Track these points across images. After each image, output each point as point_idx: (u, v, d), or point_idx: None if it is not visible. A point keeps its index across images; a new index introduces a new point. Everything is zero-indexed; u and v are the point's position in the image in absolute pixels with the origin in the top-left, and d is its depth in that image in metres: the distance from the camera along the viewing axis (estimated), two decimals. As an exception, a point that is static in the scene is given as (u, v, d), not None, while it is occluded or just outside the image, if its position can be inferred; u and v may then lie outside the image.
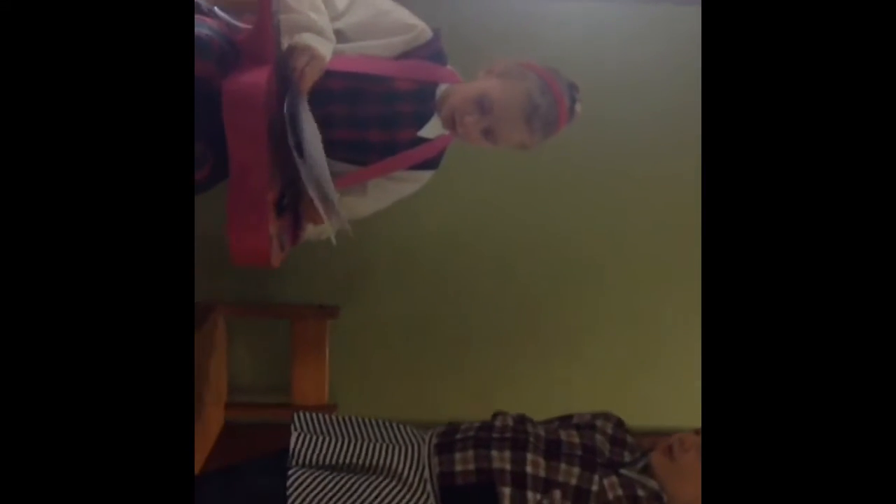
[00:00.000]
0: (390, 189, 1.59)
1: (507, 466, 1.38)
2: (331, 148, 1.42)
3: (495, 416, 1.62)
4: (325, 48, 1.33)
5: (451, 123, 1.47)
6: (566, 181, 2.22)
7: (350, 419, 1.54)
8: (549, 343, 2.35)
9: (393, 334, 2.32)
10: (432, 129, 1.52)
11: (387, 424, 1.55)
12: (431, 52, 1.51)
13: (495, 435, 1.43)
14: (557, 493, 1.38)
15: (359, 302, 2.27)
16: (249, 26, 1.42)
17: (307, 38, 1.31)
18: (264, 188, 1.25)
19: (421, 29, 1.49)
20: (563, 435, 1.48)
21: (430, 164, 1.58)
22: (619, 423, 1.62)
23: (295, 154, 1.29)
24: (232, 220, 1.25)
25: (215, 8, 1.42)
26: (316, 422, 1.51)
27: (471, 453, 1.43)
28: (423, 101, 1.50)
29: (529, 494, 1.37)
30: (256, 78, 1.25)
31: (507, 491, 1.35)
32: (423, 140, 1.53)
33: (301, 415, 1.52)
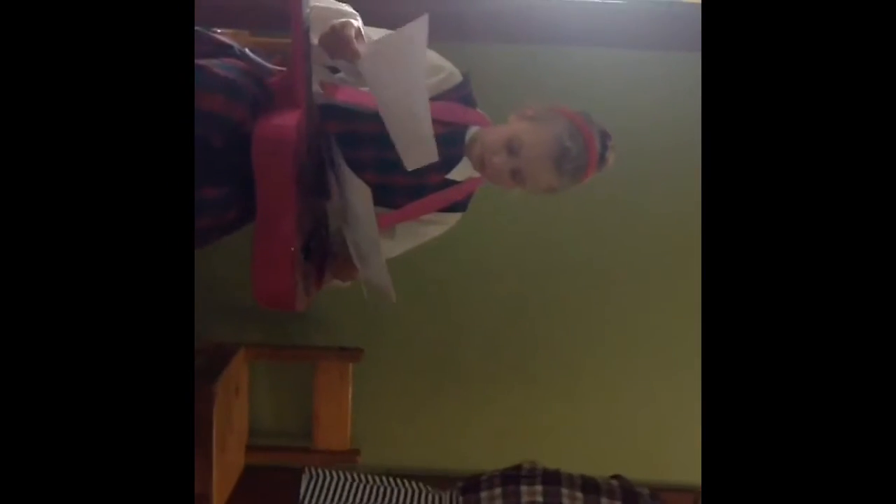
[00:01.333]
0: (419, 232, 1.57)
1: (539, 499, 1.35)
2: None
3: (520, 465, 1.58)
4: (356, 20, 1.33)
5: (480, 164, 1.46)
6: (590, 219, 2.20)
7: (364, 479, 1.50)
8: (579, 386, 2.30)
9: (417, 377, 2.29)
10: (461, 172, 1.51)
11: (404, 485, 1.51)
12: (461, 95, 1.51)
13: (524, 473, 1.39)
14: None
15: (382, 344, 2.25)
16: (281, 69, 1.43)
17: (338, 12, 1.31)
18: (292, 233, 1.24)
19: (451, 71, 1.49)
20: (598, 478, 1.44)
21: (458, 206, 1.57)
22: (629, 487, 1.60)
23: (335, 196, 1.28)
24: (258, 264, 1.24)
25: (247, 50, 1.43)
26: (327, 482, 1.48)
27: (498, 490, 1.38)
28: (452, 145, 1.49)
29: None
30: (287, 121, 1.24)
31: None
32: (452, 182, 1.52)
33: (312, 471, 1.48)
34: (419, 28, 1.22)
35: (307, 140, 1.29)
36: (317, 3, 1.35)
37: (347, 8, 1.38)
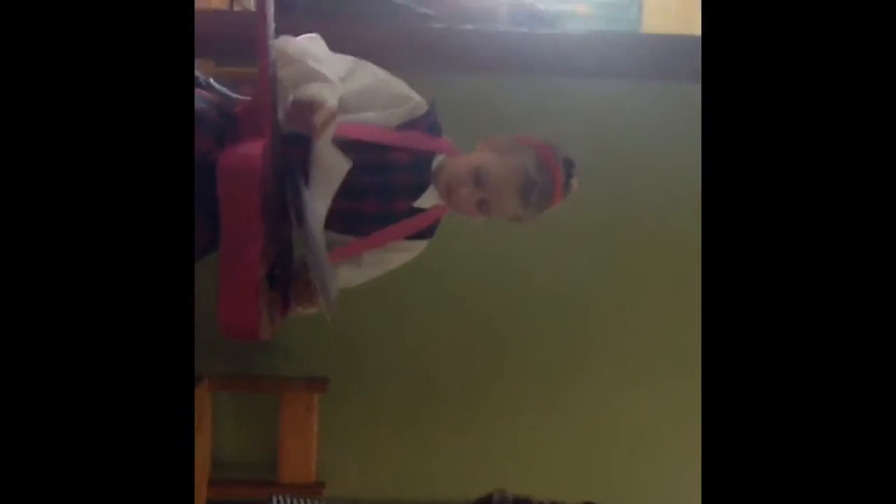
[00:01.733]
0: (384, 259, 1.57)
1: None
2: (326, 219, 1.41)
3: (490, 495, 1.56)
4: (333, 95, 1.33)
5: (447, 194, 1.48)
6: (560, 244, 2.19)
7: None
8: (553, 411, 2.29)
9: (384, 407, 2.25)
10: (427, 199, 1.52)
11: None
12: (428, 123, 1.52)
13: (494, 502, 1.38)
14: None
15: (348, 374, 2.22)
16: (247, 98, 1.42)
17: (314, 89, 1.31)
18: (256, 262, 1.23)
19: (418, 101, 1.51)
20: None
21: (425, 233, 1.57)
22: None
23: (295, 224, 1.28)
24: (223, 294, 1.22)
25: (211, 80, 1.42)
26: None
27: None
28: (419, 172, 1.50)
29: None
30: (253, 150, 1.23)
31: None
32: (418, 210, 1.52)
33: (279, 498, 1.46)
34: None
35: (272, 168, 1.29)
36: (292, 64, 1.35)
37: (324, 69, 1.37)
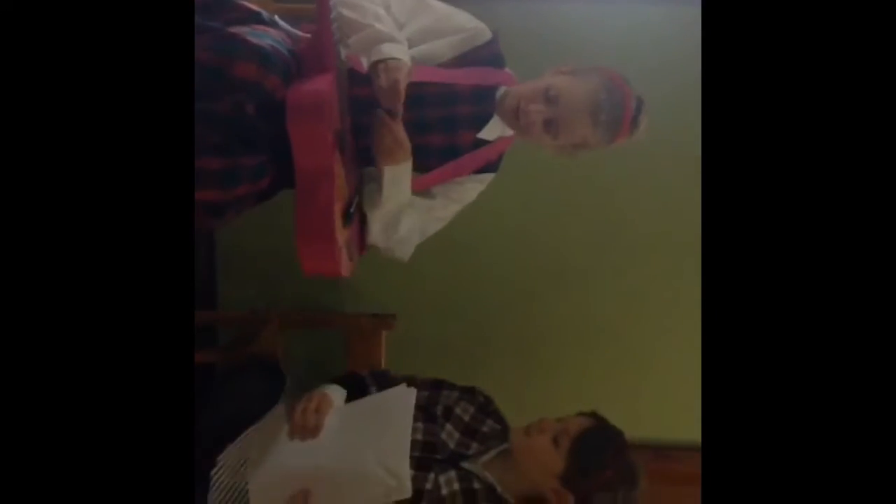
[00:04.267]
0: (454, 194, 1.56)
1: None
2: None
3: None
4: (404, 54, 1.32)
5: (514, 114, 1.45)
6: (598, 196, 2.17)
7: None
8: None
9: (450, 344, 2.29)
10: (492, 130, 1.50)
11: None
12: (490, 53, 1.49)
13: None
14: None
15: (414, 312, 2.25)
16: (307, 34, 1.42)
17: (387, 49, 1.30)
18: (332, 198, 1.24)
19: (481, 28, 1.48)
20: None
21: (490, 167, 1.56)
22: (483, 406, 1.65)
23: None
24: (301, 231, 1.24)
25: (276, 17, 1.41)
26: None
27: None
28: (483, 102, 1.48)
29: None
30: (320, 86, 1.23)
31: None
32: (483, 143, 1.51)
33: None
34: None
35: (340, 104, 1.29)
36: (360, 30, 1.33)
37: (390, 28, 1.35)
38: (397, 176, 1.39)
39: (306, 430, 1.47)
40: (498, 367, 2.31)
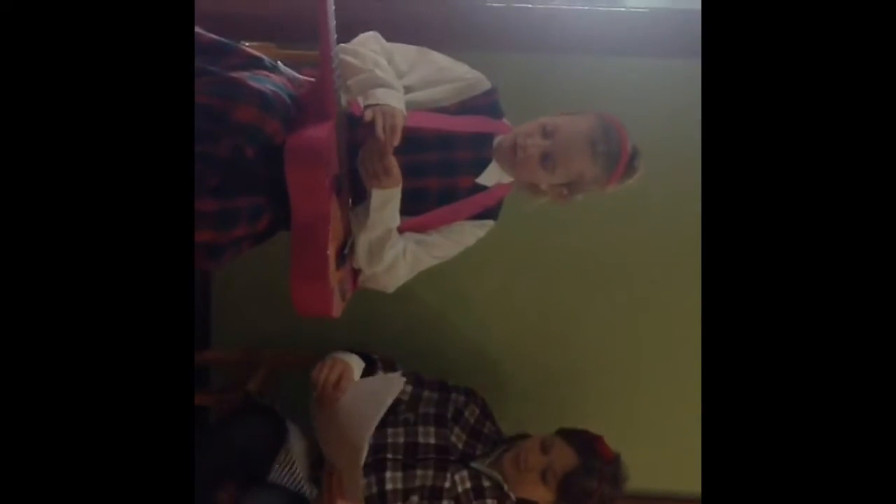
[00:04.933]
0: (451, 240, 1.56)
1: (374, 490, 1.60)
2: None
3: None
4: (399, 101, 1.35)
5: (511, 150, 1.46)
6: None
7: None
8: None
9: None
10: (490, 176, 1.52)
11: None
12: (488, 103, 1.52)
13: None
14: (415, 498, 1.60)
15: (407, 348, 2.23)
16: (310, 79, 1.44)
17: (380, 94, 1.33)
18: (326, 241, 1.25)
19: (480, 78, 1.51)
20: (420, 436, 1.67)
21: (488, 213, 1.56)
22: (484, 409, 1.81)
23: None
24: (295, 273, 1.25)
25: (279, 63, 1.44)
26: None
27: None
28: (480, 147, 1.50)
29: None
30: (319, 133, 1.26)
31: None
32: (481, 188, 1.52)
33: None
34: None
35: (339, 149, 1.31)
36: (358, 74, 1.37)
37: (388, 76, 1.39)
38: (385, 200, 1.39)
39: (329, 402, 1.63)
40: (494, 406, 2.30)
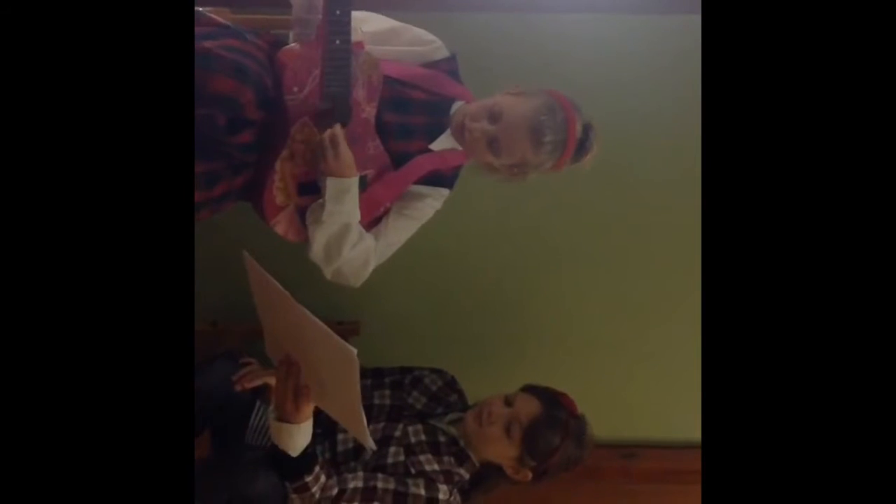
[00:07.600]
0: (408, 210, 1.56)
1: (327, 456, 1.58)
2: None
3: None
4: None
5: (460, 132, 1.48)
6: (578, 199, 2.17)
7: None
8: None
9: (416, 347, 2.30)
10: (443, 142, 1.53)
11: None
12: (450, 68, 1.54)
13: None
14: (366, 455, 1.55)
15: (379, 315, 2.26)
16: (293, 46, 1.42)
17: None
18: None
19: (439, 45, 1.53)
20: (376, 398, 1.68)
21: (441, 179, 1.57)
22: (451, 383, 1.80)
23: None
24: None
25: (244, 31, 1.43)
26: None
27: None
28: (437, 113, 1.52)
29: (342, 467, 1.55)
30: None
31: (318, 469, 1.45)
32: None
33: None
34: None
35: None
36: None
37: None
38: (340, 190, 1.39)
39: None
40: (475, 373, 2.34)
